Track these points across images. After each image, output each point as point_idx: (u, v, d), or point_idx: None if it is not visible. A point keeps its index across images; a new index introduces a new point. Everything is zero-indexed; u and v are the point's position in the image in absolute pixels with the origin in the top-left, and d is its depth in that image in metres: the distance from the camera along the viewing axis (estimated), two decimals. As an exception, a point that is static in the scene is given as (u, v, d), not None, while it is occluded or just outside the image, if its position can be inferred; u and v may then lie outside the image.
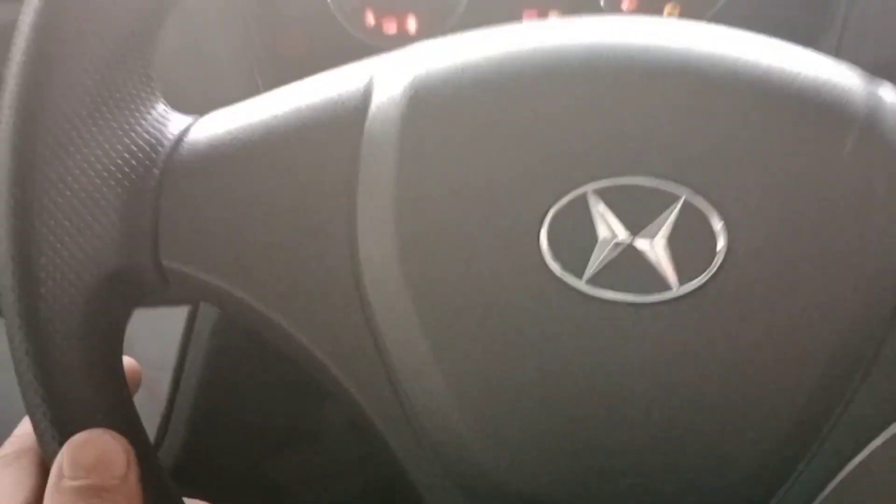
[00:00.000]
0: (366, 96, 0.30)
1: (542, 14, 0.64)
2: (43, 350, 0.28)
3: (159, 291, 0.31)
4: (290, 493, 1.01)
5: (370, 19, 0.64)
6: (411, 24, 0.64)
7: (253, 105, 0.32)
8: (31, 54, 0.27)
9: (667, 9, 0.63)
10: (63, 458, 0.29)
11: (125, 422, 0.30)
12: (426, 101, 0.29)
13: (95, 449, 0.29)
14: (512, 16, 0.64)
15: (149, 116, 0.30)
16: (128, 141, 0.29)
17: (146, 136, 0.30)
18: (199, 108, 0.45)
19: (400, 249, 0.29)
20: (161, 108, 0.31)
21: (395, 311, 0.29)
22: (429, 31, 0.64)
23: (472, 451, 0.29)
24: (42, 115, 0.27)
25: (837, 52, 0.54)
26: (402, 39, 0.64)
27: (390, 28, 0.64)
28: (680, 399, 0.29)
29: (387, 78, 0.30)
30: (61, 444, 0.29)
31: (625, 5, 0.64)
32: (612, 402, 0.29)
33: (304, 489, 1.02)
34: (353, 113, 0.30)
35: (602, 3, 0.63)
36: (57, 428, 0.28)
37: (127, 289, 0.30)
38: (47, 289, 0.28)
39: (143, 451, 0.30)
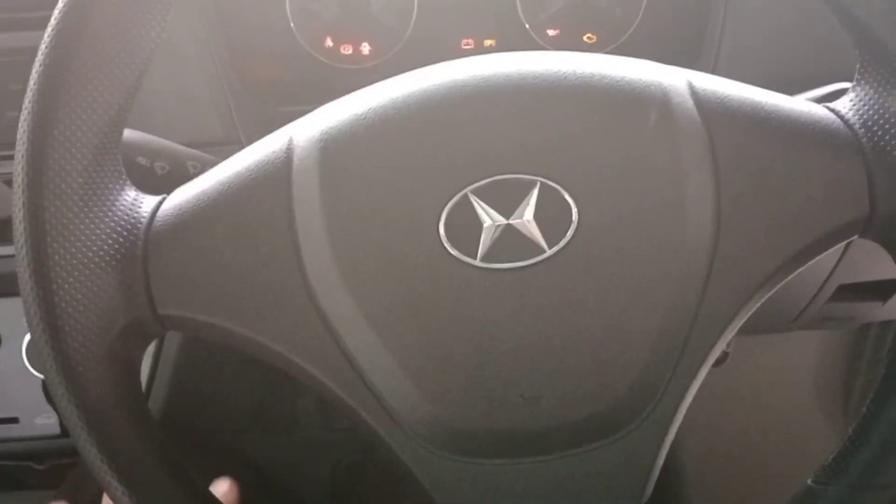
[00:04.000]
0: (289, 153, 0.38)
1: (479, 42, 0.74)
2: (79, 393, 0.36)
3: (160, 334, 0.39)
4: (263, 470, 1.09)
5: (329, 43, 0.73)
6: (364, 48, 0.74)
7: (204, 178, 0.39)
8: (31, 166, 0.36)
9: (585, 36, 0.73)
10: None
11: (151, 435, 0.39)
12: (334, 147, 0.37)
13: None
14: (451, 44, 0.74)
15: (125, 204, 0.38)
16: (114, 224, 0.37)
17: (126, 218, 0.38)
18: (181, 135, 0.52)
19: (335, 259, 0.36)
20: (133, 194, 0.39)
21: (341, 306, 0.36)
22: (379, 53, 0.73)
23: (413, 394, 0.37)
24: (44, 216, 0.35)
25: (714, 71, 0.62)
26: (357, 59, 0.74)
27: (346, 50, 0.74)
28: (562, 332, 0.36)
29: (302, 136, 0.38)
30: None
31: (550, 32, 0.73)
32: (512, 345, 0.36)
33: (276, 467, 1.10)
34: (281, 168, 0.37)
35: (529, 29, 0.73)
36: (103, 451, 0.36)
37: (137, 336, 0.38)
38: (75, 349, 0.35)
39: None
